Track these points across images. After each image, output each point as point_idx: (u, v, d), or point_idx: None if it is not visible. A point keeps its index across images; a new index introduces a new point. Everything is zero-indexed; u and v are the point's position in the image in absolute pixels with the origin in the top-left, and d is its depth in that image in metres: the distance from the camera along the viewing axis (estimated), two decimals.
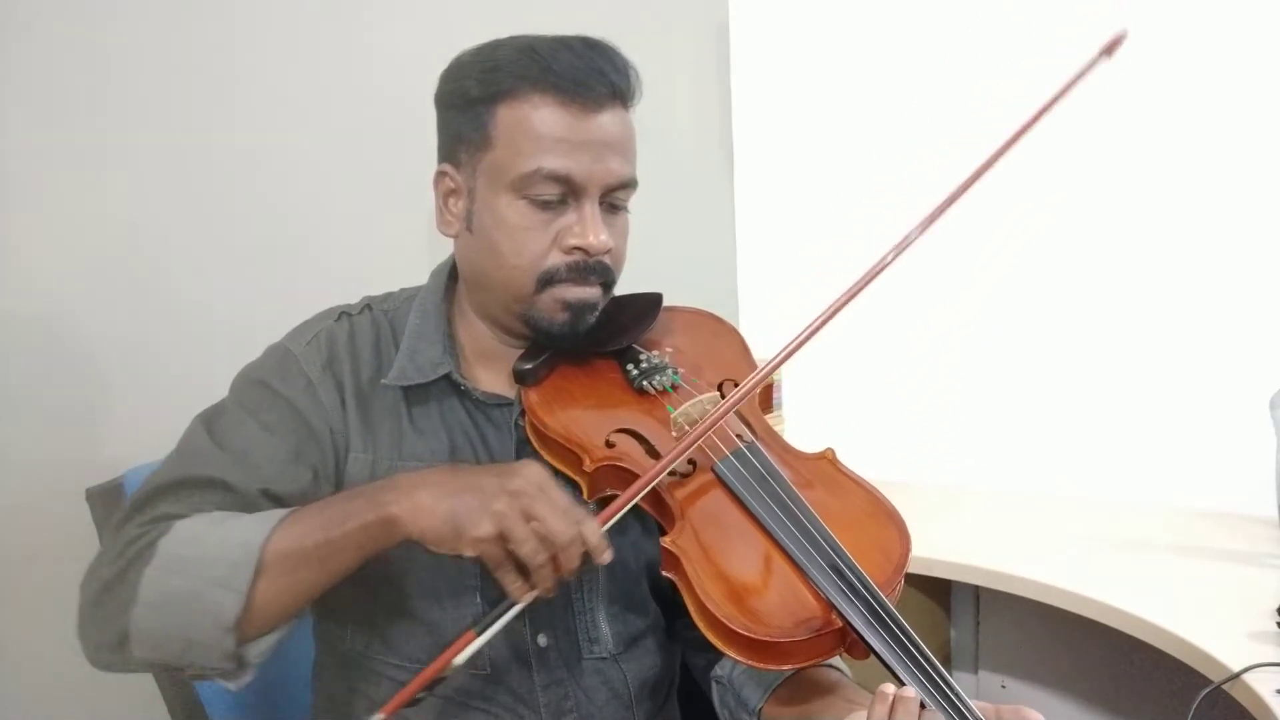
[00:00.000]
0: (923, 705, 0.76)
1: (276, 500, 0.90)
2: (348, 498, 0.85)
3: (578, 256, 0.94)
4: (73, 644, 0.85)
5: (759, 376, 0.92)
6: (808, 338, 0.88)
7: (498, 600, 0.81)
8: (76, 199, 1.20)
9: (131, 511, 0.88)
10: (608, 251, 0.95)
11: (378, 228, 1.45)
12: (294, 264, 1.35)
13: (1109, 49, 0.93)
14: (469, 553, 0.78)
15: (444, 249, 1.04)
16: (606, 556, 0.80)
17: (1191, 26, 1.54)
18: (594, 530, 0.79)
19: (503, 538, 0.77)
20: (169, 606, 0.81)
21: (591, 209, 0.94)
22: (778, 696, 0.96)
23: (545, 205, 0.93)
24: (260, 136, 1.35)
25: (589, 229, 0.93)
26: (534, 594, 0.79)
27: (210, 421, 0.95)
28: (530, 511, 0.78)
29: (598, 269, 0.95)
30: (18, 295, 1.16)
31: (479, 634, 0.78)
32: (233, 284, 1.29)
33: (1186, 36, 1.54)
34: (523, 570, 0.78)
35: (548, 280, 0.94)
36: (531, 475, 0.81)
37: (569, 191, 0.93)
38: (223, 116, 1.32)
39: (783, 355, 0.90)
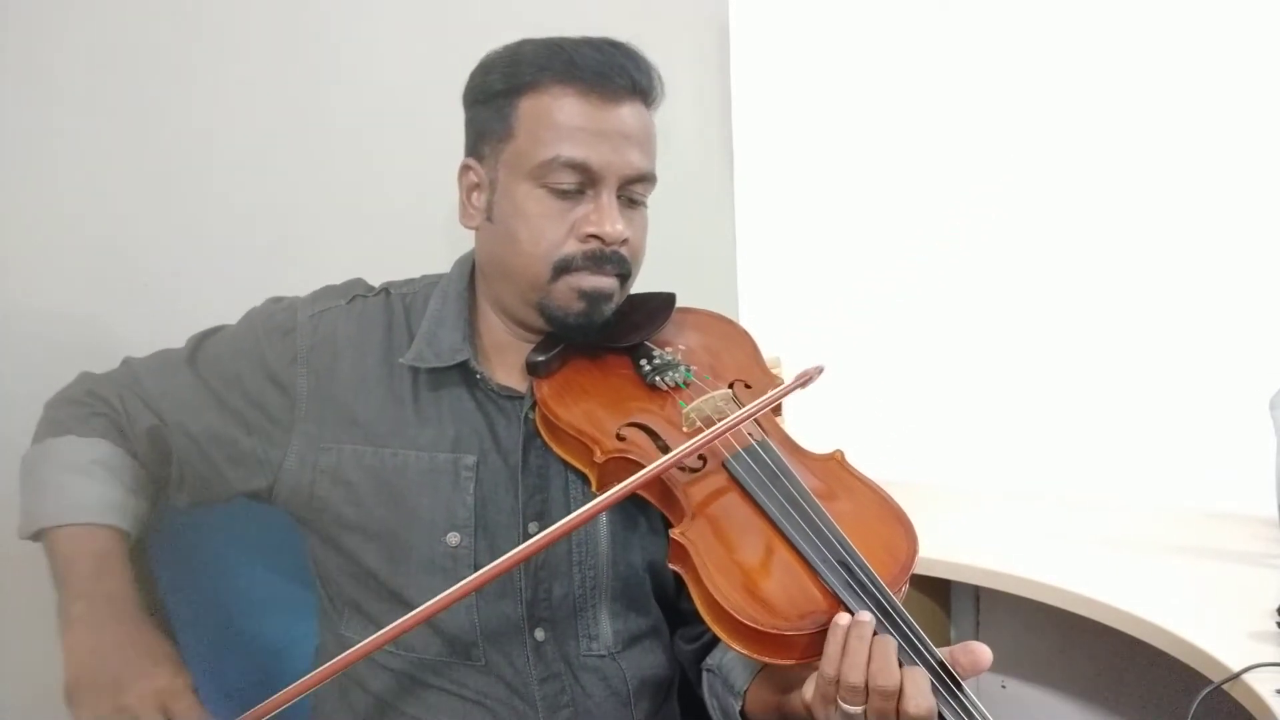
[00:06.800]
0: (875, 633, 0.77)
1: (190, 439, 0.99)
2: (72, 573, 0.88)
3: (593, 245, 0.94)
4: None
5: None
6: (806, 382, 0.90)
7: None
8: (74, 198, 1.20)
9: (97, 382, 1.02)
10: (624, 241, 0.95)
11: (376, 228, 1.45)
12: (292, 265, 1.34)
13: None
14: None
15: (443, 246, 1.03)
16: None
17: (1190, 26, 1.54)
18: None
19: None
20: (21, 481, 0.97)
21: (609, 198, 0.94)
22: (762, 678, 0.96)
23: (563, 194, 0.94)
24: (259, 136, 1.35)
25: (605, 218, 0.94)
26: None
27: (200, 343, 1.05)
28: None
29: (614, 259, 0.95)
30: (15, 294, 1.16)
31: None
32: (232, 285, 1.29)
33: (1185, 37, 1.54)
34: None
35: (563, 268, 0.95)
36: (147, 692, 0.79)
37: (587, 181, 0.94)
38: (221, 117, 1.32)
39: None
